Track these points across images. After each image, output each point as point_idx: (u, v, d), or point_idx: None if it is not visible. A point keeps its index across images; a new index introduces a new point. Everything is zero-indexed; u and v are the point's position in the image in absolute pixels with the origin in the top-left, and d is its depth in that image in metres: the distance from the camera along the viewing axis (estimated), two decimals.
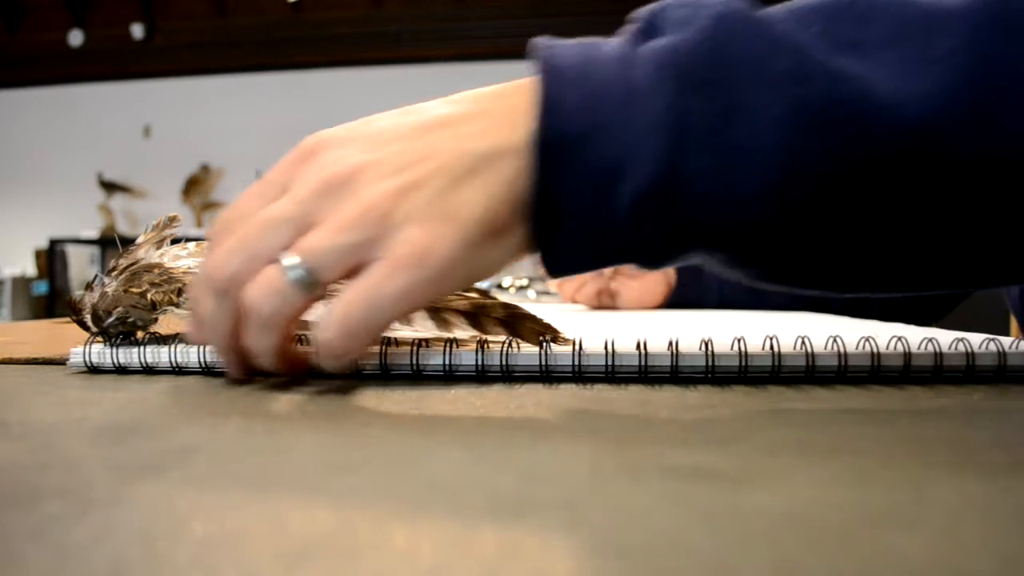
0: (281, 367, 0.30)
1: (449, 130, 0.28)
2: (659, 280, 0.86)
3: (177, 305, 0.35)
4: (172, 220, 0.38)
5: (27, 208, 4.89)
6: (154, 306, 0.36)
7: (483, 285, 1.40)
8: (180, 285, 0.35)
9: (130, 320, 0.36)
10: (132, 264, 0.36)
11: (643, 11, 0.28)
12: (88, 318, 0.36)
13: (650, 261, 0.28)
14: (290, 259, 0.27)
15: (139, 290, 0.35)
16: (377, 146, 0.28)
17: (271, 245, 0.28)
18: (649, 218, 0.26)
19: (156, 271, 0.35)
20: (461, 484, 0.17)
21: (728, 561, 0.12)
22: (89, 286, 0.36)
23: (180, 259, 0.36)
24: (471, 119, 0.28)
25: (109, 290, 0.35)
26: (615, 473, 0.18)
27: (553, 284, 0.90)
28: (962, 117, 0.25)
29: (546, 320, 0.35)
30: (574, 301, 0.88)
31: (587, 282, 0.86)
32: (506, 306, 0.35)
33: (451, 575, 0.12)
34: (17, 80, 4.83)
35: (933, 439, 0.22)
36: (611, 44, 0.28)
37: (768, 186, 0.25)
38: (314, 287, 0.27)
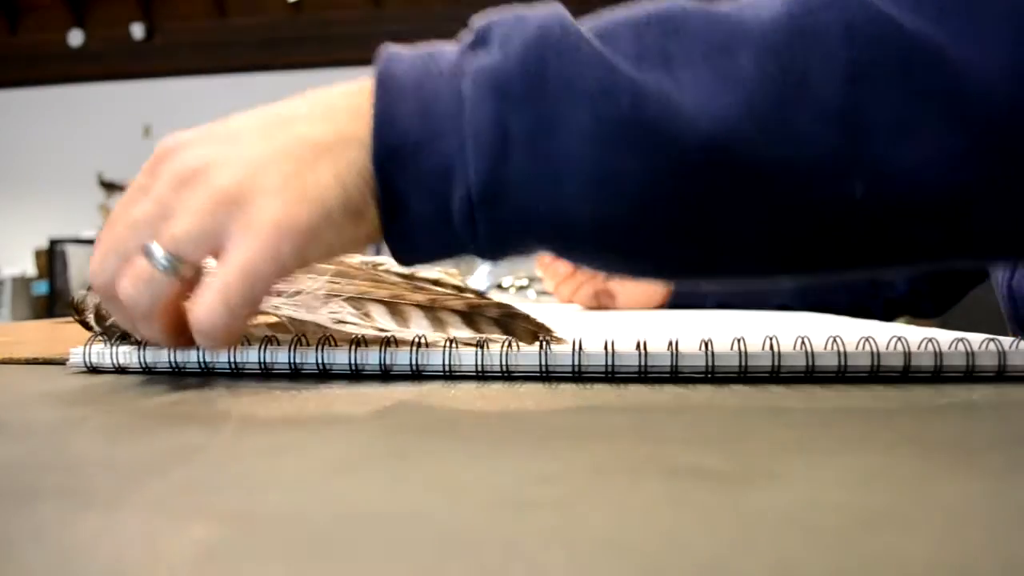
0: (179, 344, 0.32)
1: (297, 124, 0.30)
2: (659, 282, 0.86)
3: None
4: None
5: (27, 208, 4.89)
6: None
7: (483, 286, 1.40)
8: None
9: None
10: None
11: (475, 23, 0.29)
12: (91, 317, 0.36)
13: (488, 256, 0.30)
14: (154, 249, 0.29)
15: None
16: (228, 141, 0.30)
17: (137, 243, 0.29)
18: (480, 220, 0.28)
19: None
20: (461, 484, 0.17)
21: (728, 561, 0.12)
22: (90, 287, 0.36)
23: None
24: (318, 114, 0.30)
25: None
26: (615, 473, 0.18)
27: (550, 285, 0.90)
28: (759, 128, 0.27)
29: (540, 319, 0.35)
30: (572, 302, 0.88)
31: (584, 283, 0.86)
32: (500, 305, 0.35)
33: (451, 575, 0.12)
34: (17, 80, 4.83)
35: (933, 439, 0.22)
36: (446, 55, 0.29)
37: (583, 194, 0.28)
38: (180, 271, 0.29)
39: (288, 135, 0.30)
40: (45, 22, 4.82)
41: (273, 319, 0.35)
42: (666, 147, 0.27)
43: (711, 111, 0.27)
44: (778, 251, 0.30)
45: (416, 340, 0.33)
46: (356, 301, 0.35)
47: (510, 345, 0.32)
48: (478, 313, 0.35)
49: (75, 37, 4.76)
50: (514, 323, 0.35)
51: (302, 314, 0.34)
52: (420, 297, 0.35)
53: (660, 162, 0.27)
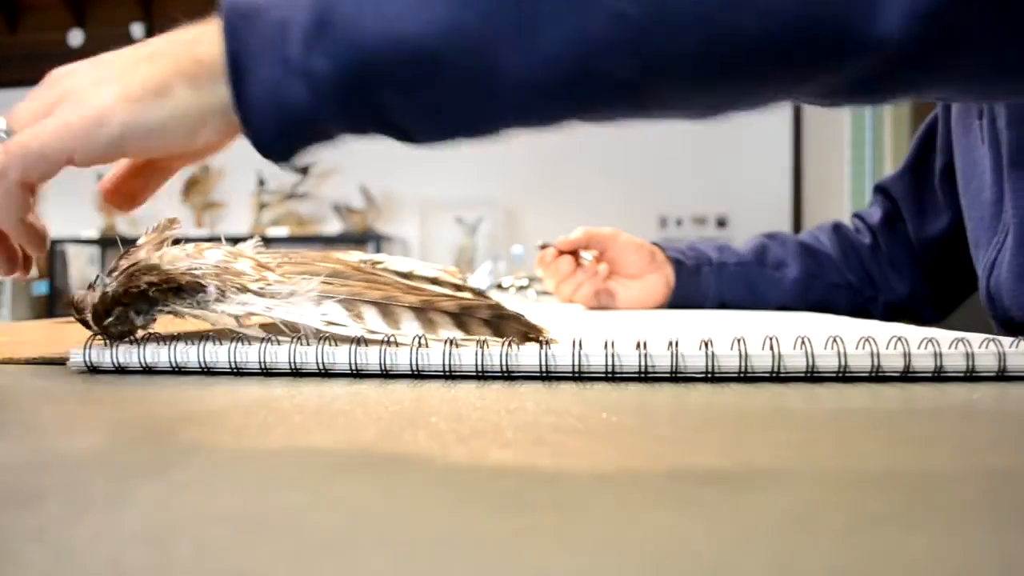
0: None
1: (149, 46, 0.36)
2: (659, 280, 0.86)
3: (175, 305, 0.36)
4: (172, 222, 0.39)
5: None
6: (153, 305, 0.36)
7: (483, 286, 1.40)
8: (178, 285, 0.35)
9: (129, 319, 0.36)
10: (132, 265, 0.36)
11: None
12: (89, 316, 0.36)
13: (334, 115, 0.33)
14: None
15: (138, 290, 0.35)
16: (97, 66, 0.37)
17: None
18: (317, 56, 0.32)
19: (155, 272, 0.35)
20: (461, 484, 0.17)
21: (728, 561, 0.12)
22: (91, 286, 0.36)
23: (179, 260, 0.36)
24: (167, 39, 0.36)
25: (109, 290, 0.35)
26: (615, 473, 0.18)
27: (550, 284, 0.90)
28: (500, 37, 0.31)
29: (532, 320, 0.35)
30: (572, 302, 0.88)
31: (584, 282, 0.86)
32: (492, 306, 0.35)
33: (451, 575, 0.12)
34: (17, 80, 4.83)
35: (933, 439, 0.22)
36: None
37: (402, 12, 0.31)
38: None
39: (140, 51, 0.36)
40: (45, 22, 4.82)
41: (266, 320, 0.35)
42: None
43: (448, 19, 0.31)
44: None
45: (416, 340, 0.33)
46: (349, 302, 0.35)
47: (510, 345, 0.32)
48: (468, 315, 0.35)
49: (75, 37, 4.76)
50: (505, 324, 0.35)
51: (295, 316, 0.34)
52: (412, 299, 0.36)
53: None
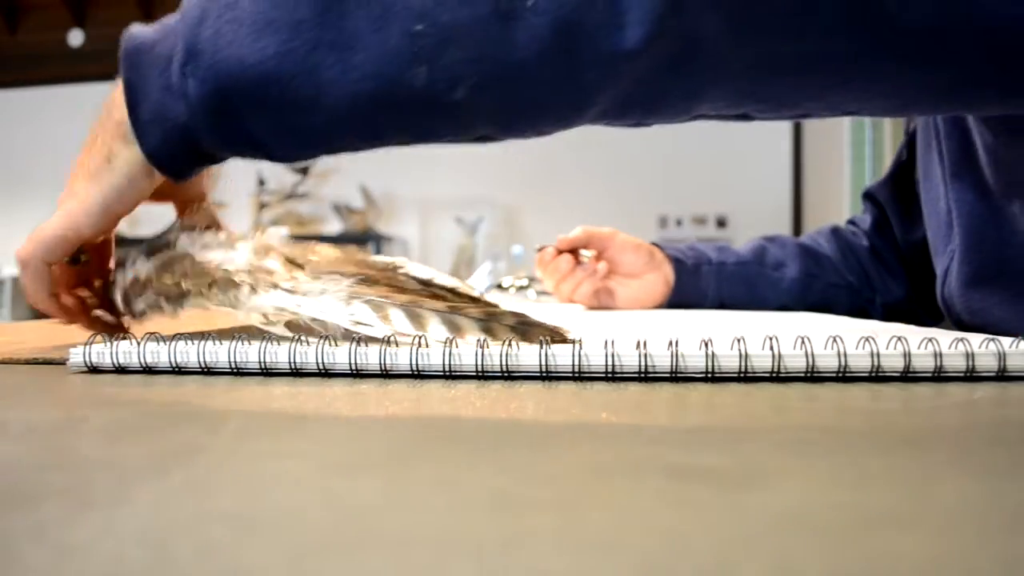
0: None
1: (92, 130, 0.42)
2: (657, 279, 0.86)
3: (207, 299, 0.36)
4: (211, 208, 0.40)
5: (27, 208, 4.88)
6: (184, 297, 0.36)
7: (483, 286, 1.39)
8: (211, 280, 0.36)
9: (160, 306, 0.36)
10: (164, 249, 0.36)
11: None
12: (118, 297, 0.36)
13: (208, 132, 0.38)
14: None
15: (172, 280, 0.35)
16: (76, 164, 0.43)
17: None
18: (189, 77, 0.37)
19: (188, 262, 0.36)
20: (461, 484, 0.17)
21: (728, 561, 0.12)
22: (119, 264, 0.37)
23: (210, 250, 0.37)
24: (98, 117, 0.42)
25: (141, 276, 0.36)
26: (615, 473, 0.18)
27: (550, 284, 0.90)
28: (321, 59, 0.36)
29: (554, 324, 0.35)
30: (572, 301, 0.89)
31: (584, 280, 0.86)
32: (516, 314, 0.36)
33: (451, 575, 0.12)
34: (17, 80, 4.83)
35: (933, 439, 0.22)
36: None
37: (252, 37, 0.36)
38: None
39: (89, 137, 0.42)
40: (45, 22, 4.82)
41: (294, 318, 0.35)
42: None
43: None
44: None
45: (416, 340, 0.33)
46: (376, 304, 0.35)
47: (510, 345, 0.32)
48: (495, 321, 0.35)
49: (75, 37, 4.76)
50: (531, 331, 0.35)
51: (324, 314, 0.35)
52: (439, 304, 0.36)
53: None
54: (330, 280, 0.36)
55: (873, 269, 0.88)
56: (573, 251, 0.88)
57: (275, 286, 0.36)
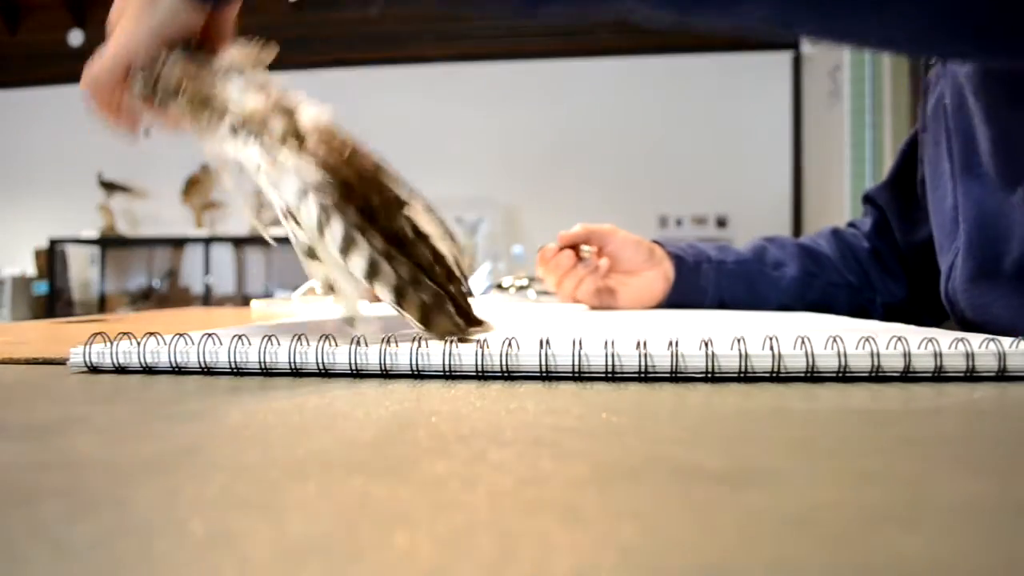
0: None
1: None
2: (657, 276, 0.86)
3: (191, 105, 0.39)
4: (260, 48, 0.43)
5: (27, 208, 4.89)
6: (178, 91, 0.40)
7: (483, 286, 1.39)
8: (208, 96, 0.38)
9: (179, 94, 0.40)
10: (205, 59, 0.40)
11: None
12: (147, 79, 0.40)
13: None
14: None
15: (183, 75, 0.40)
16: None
17: None
18: None
19: (207, 74, 0.38)
20: (461, 484, 0.17)
21: (728, 561, 0.12)
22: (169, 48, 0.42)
23: (234, 83, 0.39)
24: None
25: (164, 69, 0.41)
26: (615, 473, 0.18)
27: (551, 284, 0.90)
28: None
29: (483, 320, 0.35)
30: (573, 300, 0.88)
31: (585, 277, 0.86)
32: (455, 300, 0.36)
33: (451, 575, 0.12)
34: (17, 80, 4.83)
35: (933, 439, 0.22)
36: None
37: None
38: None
39: None
40: (45, 22, 4.82)
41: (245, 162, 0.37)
42: None
43: None
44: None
45: (416, 339, 0.33)
46: (325, 209, 0.35)
47: (509, 345, 0.32)
48: (418, 289, 0.36)
49: (75, 37, 4.76)
50: (439, 317, 0.35)
51: (273, 189, 0.36)
52: (380, 244, 0.35)
53: None
54: (305, 165, 0.35)
55: (873, 270, 0.88)
56: (574, 247, 0.88)
57: (257, 137, 0.36)
